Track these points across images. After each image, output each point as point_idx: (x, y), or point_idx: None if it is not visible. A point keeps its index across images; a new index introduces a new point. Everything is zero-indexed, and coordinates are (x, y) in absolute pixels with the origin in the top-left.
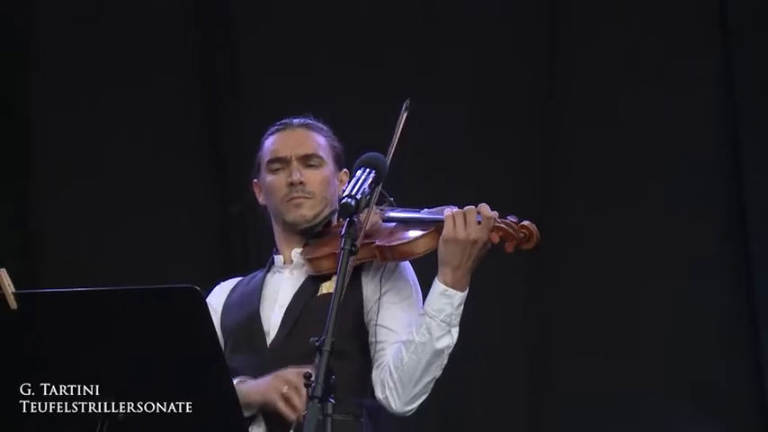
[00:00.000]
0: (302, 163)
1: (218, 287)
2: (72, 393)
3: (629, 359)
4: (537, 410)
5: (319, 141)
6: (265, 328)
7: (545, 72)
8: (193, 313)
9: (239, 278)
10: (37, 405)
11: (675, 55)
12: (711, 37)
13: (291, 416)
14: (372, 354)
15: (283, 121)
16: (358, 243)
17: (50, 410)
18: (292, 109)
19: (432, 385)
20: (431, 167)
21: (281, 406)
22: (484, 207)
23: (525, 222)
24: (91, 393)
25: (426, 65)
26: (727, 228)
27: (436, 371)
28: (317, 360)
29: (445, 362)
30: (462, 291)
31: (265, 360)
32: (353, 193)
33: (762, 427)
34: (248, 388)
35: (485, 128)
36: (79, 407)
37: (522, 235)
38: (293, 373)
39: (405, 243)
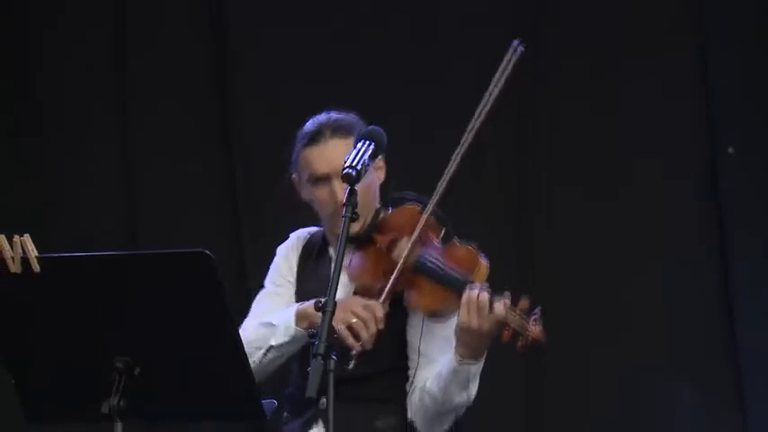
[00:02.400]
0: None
1: (294, 241)
2: (90, 350)
3: (610, 329)
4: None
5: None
6: None
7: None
8: (205, 277)
9: (310, 235)
10: (57, 361)
11: (655, 42)
12: (689, 24)
13: (356, 346)
14: (409, 369)
15: (315, 129)
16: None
17: (70, 366)
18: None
19: (455, 417)
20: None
21: (347, 336)
22: (498, 306)
23: (531, 328)
24: (108, 350)
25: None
26: (705, 211)
27: (454, 415)
28: (321, 319)
29: (464, 410)
30: (479, 361)
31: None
32: (354, 163)
33: (735, 389)
34: (312, 312)
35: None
36: (97, 363)
37: (529, 339)
38: (361, 306)
39: (428, 311)
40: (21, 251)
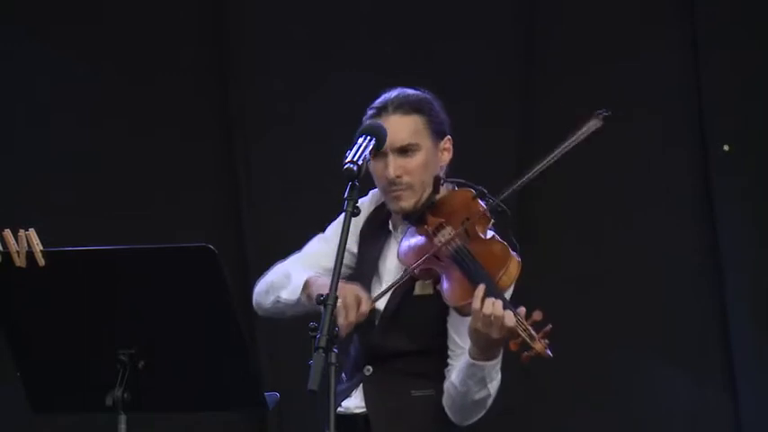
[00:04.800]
0: (398, 153)
1: (367, 203)
2: (95, 343)
3: (602, 313)
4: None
5: (415, 125)
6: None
7: (522, 46)
8: (208, 271)
9: (367, 209)
10: (62, 353)
11: (645, 27)
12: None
13: (342, 324)
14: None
15: (380, 104)
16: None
17: (75, 359)
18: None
19: (484, 410)
20: None
21: (337, 313)
22: (509, 316)
23: (537, 343)
24: (112, 343)
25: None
26: (693, 185)
27: (482, 408)
28: (323, 313)
29: (490, 402)
30: (493, 360)
31: (371, 343)
32: (355, 159)
33: (726, 371)
34: (321, 284)
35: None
36: (101, 355)
37: (533, 353)
38: (353, 294)
39: (451, 304)
40: (26, 245)
